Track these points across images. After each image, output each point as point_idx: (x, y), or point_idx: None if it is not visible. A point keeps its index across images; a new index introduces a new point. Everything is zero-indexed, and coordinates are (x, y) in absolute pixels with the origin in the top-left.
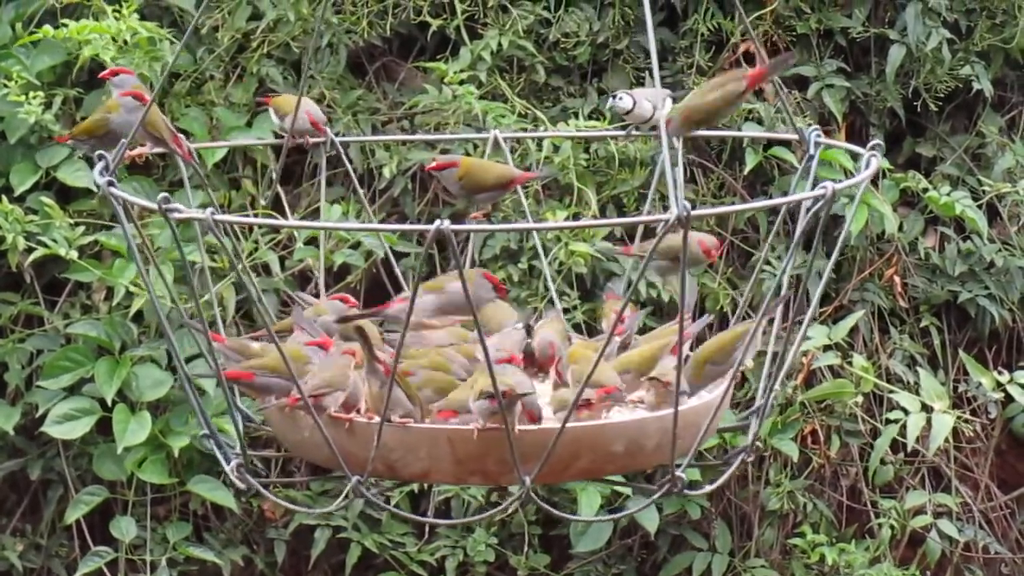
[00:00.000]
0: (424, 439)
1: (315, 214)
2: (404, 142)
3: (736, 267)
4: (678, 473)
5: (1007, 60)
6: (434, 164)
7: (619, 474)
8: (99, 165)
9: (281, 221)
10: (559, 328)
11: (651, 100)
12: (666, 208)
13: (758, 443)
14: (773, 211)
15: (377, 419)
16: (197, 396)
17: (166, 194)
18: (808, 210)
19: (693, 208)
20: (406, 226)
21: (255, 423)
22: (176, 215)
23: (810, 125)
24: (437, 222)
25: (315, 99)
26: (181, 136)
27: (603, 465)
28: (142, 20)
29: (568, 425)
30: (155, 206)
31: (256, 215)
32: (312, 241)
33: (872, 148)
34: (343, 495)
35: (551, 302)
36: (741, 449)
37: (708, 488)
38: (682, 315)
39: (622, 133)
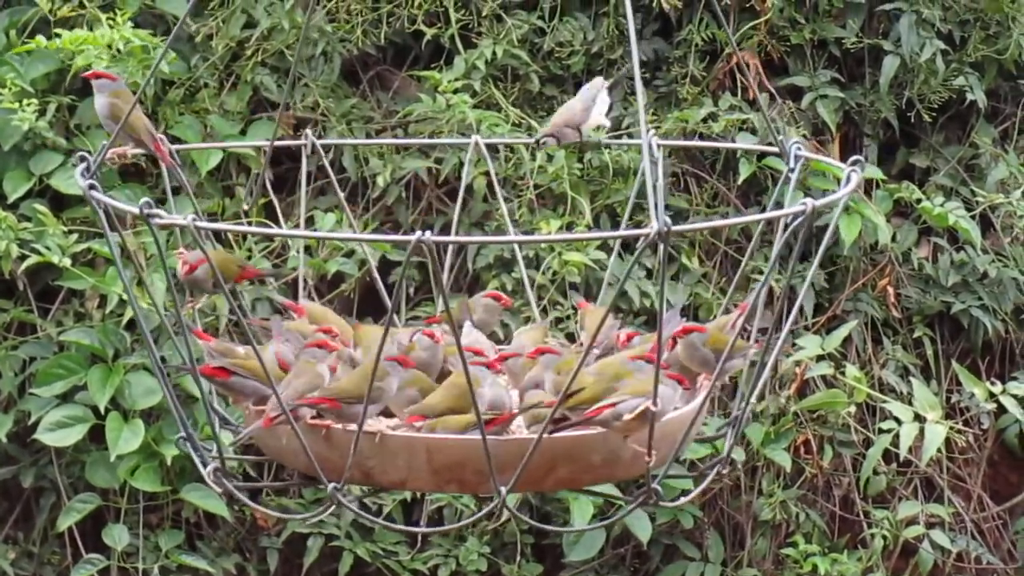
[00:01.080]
0: (402, 448)
1: (308, 222)
2: (398, 150)
3: (729, 277)
4: (654, 485)
5: (1000, 71)
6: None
7: (597, 485)
8: (80, 167)
9: (264, 229)
10: (537, 337)
11: (570, 123)
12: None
13: (735, 455)
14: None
15: (353, 427)
16: (173, 394)
17: (148, 199)
18: (787, 226)
19: (674, 223)
20: (387, 236)
21: (233, 426)
22: (157, 221)
23: (796, 140)
24: (418, 233)
25: (308, 107)
26: (162, 139)
27: (581, 476)
28: (136, 28)
29: (545, 436)
30: (135, 211)
31: (250, 223)
32: (306, 249)
33: (853, 164)
34: (325, 503)
35: (544, 312)
36: (716, 461)
37: (683, 500)
38: (660, 327)
39: (612, 142)
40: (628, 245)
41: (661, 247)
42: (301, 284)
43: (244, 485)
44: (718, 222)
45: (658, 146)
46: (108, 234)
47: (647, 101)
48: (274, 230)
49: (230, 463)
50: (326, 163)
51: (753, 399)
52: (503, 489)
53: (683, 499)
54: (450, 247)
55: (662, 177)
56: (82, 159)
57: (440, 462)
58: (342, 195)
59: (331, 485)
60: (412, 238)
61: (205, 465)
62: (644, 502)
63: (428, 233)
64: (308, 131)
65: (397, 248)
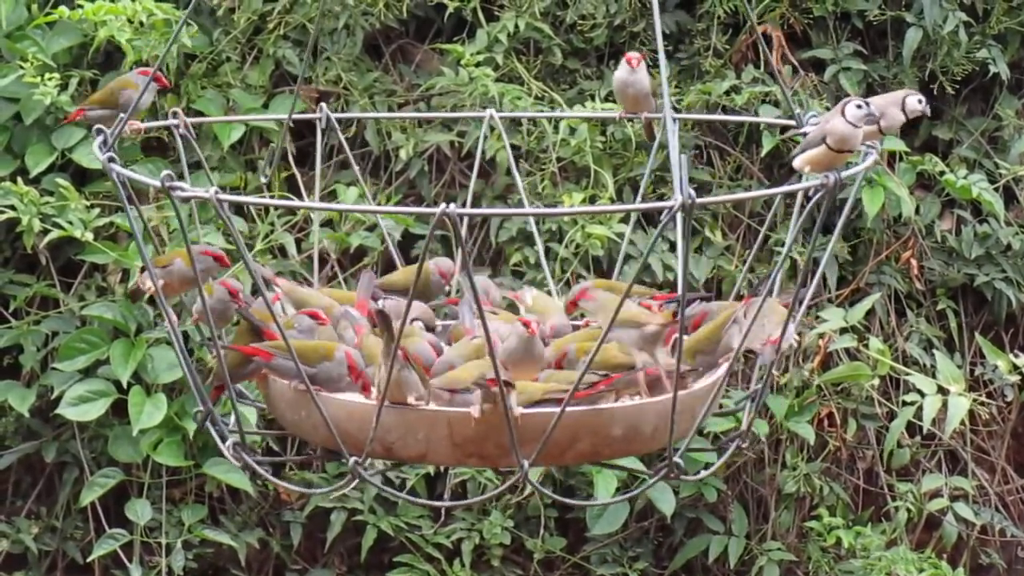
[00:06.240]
0: (423, 421)
1: (331, 196)
2: (420, 124)
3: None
4: (675, 459)
5: None
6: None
7: (618, 458)
8: (98, 139)
9: (286, 202)
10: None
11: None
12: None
13: (757, 428)
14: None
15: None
16: (193, 368)
17: (169, 172)
18: (808, 199)
19: (697, 195)
20: (411, 209)
21: (250, 400)
22: (179, 193)
23: (813, 112)
24: (442, 205)
25: (331, 81)
26: (179, 111)
27: (602, 449)
28: (158, 2)
29: (567, 409)
30: (156, 184)
31: (272, 196)
32: (328, 223)
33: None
34: (347, 477)
35: (567, 284)
36: (735, 435)
37: (705, 473)
38: (683, 301)
39: (616, 114)
40: (650, 218)
41: (684, 218)
42: (316, 259)
43: (265, 460)
44: (742, 195)
45: (674, 120)
46: (127, 208)
47: (669, 74)
48: (296, 203)
49: (251, 438)
50: (341, 138)
51: (775, 372)
52: (525, 462)
53: (705, 472)
54: (466, 220)
55: (677, 148)
56: (99, 132)
57: (462, 435)
58: (357, 169)
59: (352, 459)
60: (437, 210)
61: (224, 439)
62: (666, 475)
63: (452, 205)
64: (323, 105)
65: (420, 221)
